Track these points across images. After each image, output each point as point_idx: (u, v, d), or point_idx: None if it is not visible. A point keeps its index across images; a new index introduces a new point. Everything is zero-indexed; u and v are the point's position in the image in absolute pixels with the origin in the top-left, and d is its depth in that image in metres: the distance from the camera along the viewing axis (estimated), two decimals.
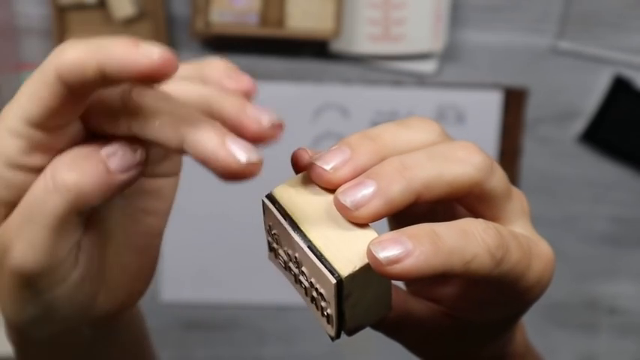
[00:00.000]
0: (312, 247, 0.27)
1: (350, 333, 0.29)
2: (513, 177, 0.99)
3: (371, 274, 0.27)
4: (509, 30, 0.95)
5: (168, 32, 0.91)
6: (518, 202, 0.33)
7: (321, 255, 0.27)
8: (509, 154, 0.98)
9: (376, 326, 0.33)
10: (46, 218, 0.27)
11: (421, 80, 0.95)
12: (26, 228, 0.27)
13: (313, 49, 0.93)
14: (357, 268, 0.27)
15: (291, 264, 0.29)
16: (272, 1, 0.90)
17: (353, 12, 0.91)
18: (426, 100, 0.96)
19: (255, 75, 1.00)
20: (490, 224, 0.28)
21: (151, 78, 0.25)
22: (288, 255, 0.29)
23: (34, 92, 0.26)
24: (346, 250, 0.27)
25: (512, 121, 0.97)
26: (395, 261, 0.26)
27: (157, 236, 0.35)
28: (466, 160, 0.29)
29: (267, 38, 0.91)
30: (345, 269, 0.27)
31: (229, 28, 0.89)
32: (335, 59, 0.94)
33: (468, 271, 0.27)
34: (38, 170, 0.27)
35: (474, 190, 0.30)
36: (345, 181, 0.28)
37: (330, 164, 0.29)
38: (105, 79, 0.25)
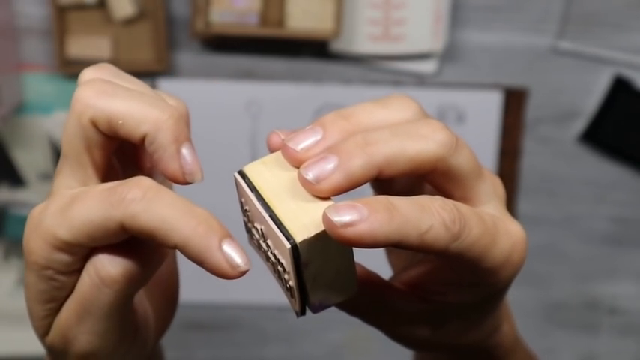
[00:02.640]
0: (272, 216, 0.28)
1: (315, 309, 0.30)
2: (513, 177, 0.99)
3: (329, 245, 0.28)
4: (509, 30, 0.95)
5: (168, 32, 0.91)
6: (490, 184, 0.33)
7: (281, 223, 0.28)
8: (509, 154, 0.98)
9: (352, 310, 0.34)
10: (102, 310, 0.29)
11: (421, 80, 0.95)
12: (86, 320, 0.29)
13: (313, 49, 0.93)
14: (311, 234, 0.28)
15: (261, 241, 0.30)
16: (272, 1, 0.90)
17: (353, 12, 0.91)
18: (426, 100, 0.96)
19: (256, 75, 1.00)
20: (448, 201, 0.29)
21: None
22: (258, 231, 0.30)
23: (95, 230, 0.28)
24: (305, 218, 0.28)
25: (512, 121, 0.97)
26: (349, 224, 0.27)
27: (176, 273, 0.37)
28: (429, 137, 0.30)
29: (267, 38, 0.91)
30: (300, 235, 0.28)
31: (229, 28, 0.89)
32: (335, 59, 0.94)
33: (423, 242, 0.28)
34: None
35: (439, 167, 0.30)
36: None
37: (300, 145, 0.30)
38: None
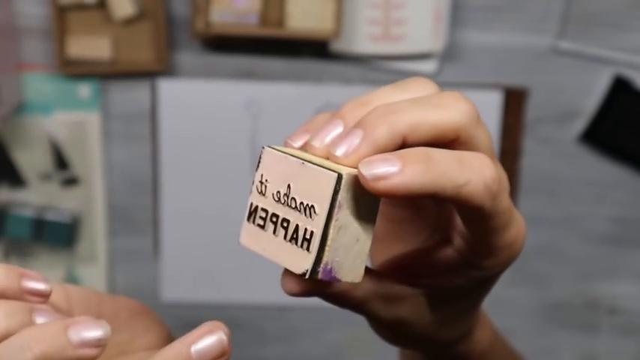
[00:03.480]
0: (311, 162, 0.29)
1: (325, 273, 0.29)
2: (513, 177, 0.99)
3: (361, 199, 0.29)
4: (509, 30, 0.95)
5: (168, 32, 0.91)
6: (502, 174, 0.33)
7: (321, 165, 0.29)
8: (509, 154, 0.98)
9: (343, 303, 0.33)
10: None
11: None
12: None
13: (313, 49, 0.93)
14: (352, 174, 0.28)
15: (278, 208, 0.30)
16: (272, 1, 0.90)
17: (353, 12, 0.91)
18: None
19: (256, 75, 1.00)
20: (489, 159, 0.29)
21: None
22: (278, 194, 0.30)
23: None
24: (342, 168, 0.29)
25: (512, 121, 0.97)
26: (382, 177, 0.27)
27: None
28: (451, 105, 0.30)
29: (267, 38, 0.91)
30: (342, 171, 0.28)
31: (229, 28, 0.89)
32: (335, 59, 0.94)
33: (459, 196, 0.28)
34: None
35: (461, 136, 0.30)
36: None
37: (325, 141, 0.30)
38: None
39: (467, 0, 0.93)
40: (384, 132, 0.29)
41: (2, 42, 0.87)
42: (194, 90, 0.94)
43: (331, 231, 0.28)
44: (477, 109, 0.31)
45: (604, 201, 1.01)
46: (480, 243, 0.31)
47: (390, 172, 0.27)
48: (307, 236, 0.29)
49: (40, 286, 0.32)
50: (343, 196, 0.28)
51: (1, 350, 0.28)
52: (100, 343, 0.29)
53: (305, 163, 0.29)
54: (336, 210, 0.28)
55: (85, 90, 0.94)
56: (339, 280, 0.30)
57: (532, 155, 0.98)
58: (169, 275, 1.00)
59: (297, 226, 0.29)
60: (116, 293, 1.00)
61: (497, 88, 0.96)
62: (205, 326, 0.29)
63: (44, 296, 0.32)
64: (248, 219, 0.31)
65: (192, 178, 0.96)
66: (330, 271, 0.29)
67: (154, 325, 0.37)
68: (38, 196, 0.96)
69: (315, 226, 0.29)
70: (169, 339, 0.38)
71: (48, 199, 0.96)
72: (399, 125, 0.29)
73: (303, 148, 0.31)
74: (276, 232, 0.30)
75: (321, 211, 0.28)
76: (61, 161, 0.96)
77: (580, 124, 0.98)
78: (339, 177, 0.28)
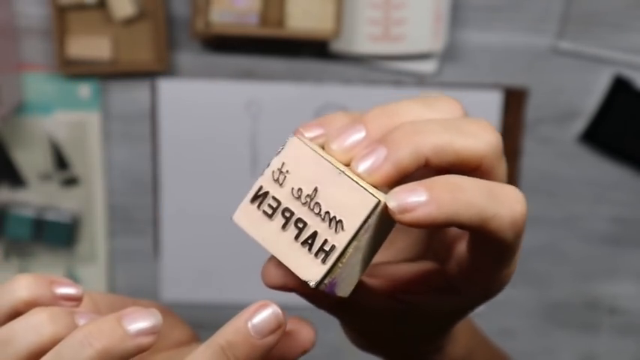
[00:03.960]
0: (348, 175, 0.28)
1: (330, 286, 0.29)
2: (513, 177, 0.99)
3: (381, 225, 0.29)
4: (509, 30, 0.95)
5: (168, 32, 0.91)
6: None
7: (357, 182, 0.28)
8: (509, 154, 0.98)
9: (319, 303, 0.33)
10: None
11: (421, 80, 0.95)
12: None
13: (313, 49, 0.93)
14: (382, 203, 0.28)
15: (295, 206, 0.29)
16: (272, 1, 0.90)
17: (353, 12, 0.91)
18: None
19: (256, 75, 1.00)
20: (518, 191, 0.29)
21: None
22: (294, 194, 0.29)
23: None
24: (371, 188, 0.28)
25: (512, 121, 0.97)
26: (409, 210, 0.27)
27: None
28: (478, 134, 0.30)
29: (267, 38, 0.91)
30: (380, 196, 0.28)
31: (229, 28, 0.89)
32: (335, 59, 0.94)
33: (485, 228, 0.28)
34: None
35: (483, 166, 0.30)
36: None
37: (345, 144, 0.30)
38: None
39: (467, 0, 0.93)
40: (407, 153, 0.28)
41: (2, 42, 0.87)
42: (194, 90, 0.94)
43: (350, 250, 0.28)
44: (501, 141, 0.31)
45: (604, 201, 1.01)
46: (479, 274, 0.31)
47: (417, 203, 0.27)
48: (326, 248, 0.28)
49: (71, 290, 0.32)
50: (372, 220, 0.28)
51: (60, 351, 0.28)
52: (154, 330, 0.29)
53: (342, 174, 0.28)
54: (362, 232, 0.28)
55: (85, 90, 0.94)
56: (334, 294, 0.29)
57: (532, 155, 0.98)
58: (169, 275, 1.00)
59: (315, 232, 0.29)
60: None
61: (497, 88, 0.96)
62: (258, 303, 0.30)
63: (77, 300, 0.32)
64: (252, 201, 0.30)
65: (192, 178, 0.96)
66: (333, 285, 0.29)
67: (178, 323, 0.38)
68: (38, 196, 0.96)
69: (338, 241, 0.28)
70: (195, 336, 0.38)
71: (48, 199, 0.96)
72: (423, 147, 0.28)
73: (315, 140, 0.31)
74: (286, 228, 0.29)
75: (350, 229, 0.28)
76: (61, 161, 0.96)
77: (580, 124, 0.98)
78: (378, 203, 0.28)
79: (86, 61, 0.91)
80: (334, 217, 0.28)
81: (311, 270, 0.29)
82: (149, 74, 0.93)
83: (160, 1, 0.89)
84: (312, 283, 0.28)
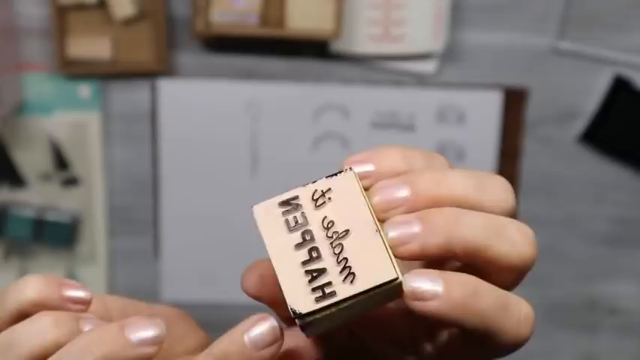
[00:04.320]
0: (382, 237, 0.28)
1: (311, 326, 0.29)
2: (513, 177, 0.99)
3: (380, 297, 0.28)
4: (509, 30, 0.95)
5: (168, 32, 0.91)
6: None
7: (387, 248, 0.28)
8: (509, 154, 0.98)
9: (283, 318, 0.33)
10: None
11: (421, 80, 0.95)
12: None
13: (314, 49, 0.93)
14: (398, 281, 0.27)
15: (318, 233, 0.28)
16: (272, 1, 0.90)
17: (353, 12, 0.91)
18: (426, 100, 0.96)
19: (256, 75, 1.00)
20: (531, 312, 0.29)
21: None
22: (324, 224, 0.28)
23: None
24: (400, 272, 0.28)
25: (512, 121, 0.97)
26: (421, 298, 0.27)
27: None
28: (517, 245, 0.29)
29: (267, 38, 0.91)
30: (399, 272, 0.28)
31: (229, 28, 0.89)
32: (335, 59, 0.94)
33: (487, 341, 0.28)
34: None
35: (503, 273, 0.30)
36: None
37: (385, 198, 0.29)
38: None
39: (467, 0, 0.93)
40: (439, 241, 0.28)
41: (2, 42, 0.87)
42: (194, 90, 0.94)
43: (344, 305, 0.28)
44: (535, 255, 0.30)
45: (604, 201, 1.01)
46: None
47: (431, 295, 0.27)
48: (327, 290, 0.28)
49: (80, 293, 0.31)
50: (382, 289, 0.28)
51: (61, 356, 0.28)
52: (156, 341, 0.29)
53: (377, 233, 0.28)
54: (367, 295, 0.28)
55: (85, 90, 0.94)
56: (303, 329, 0.29)
57: (532, 155, 0.98)
58: (169, 275, 1.00)
59: (324, 269, 0.28)
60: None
61: (497, 88, 0.96)
62: (257, 315, 0.29)
63: (86, 304, 0.31)
64: (281, 204, 0.29)
65: (192, 178, 0.96)
66: (309, 325, 0.29)
67: (192, 330, 0.37)
68: (38, 196, 0.96)
69: (341, 290, 0.27)
70: (208, 342, 0.37)
71: (48, 199, 0.96)
72: (456, 243, 0.28)
73: (363, 177, 0.30)
74: (299, 249, 0.28)
75: (357, 287, 0.27)
76: (61, 161, 0.96)
77: (580, 125, 0.98)
78: (395, 279, 0.27)
79: (86, 61, 0.91)
80: (350, 267, 0.28)
81: (301, 300, 0.28)
82: (149, 74, 0.93)
83: (160, 1, 0.89)
84: (295, 313, 0.28)
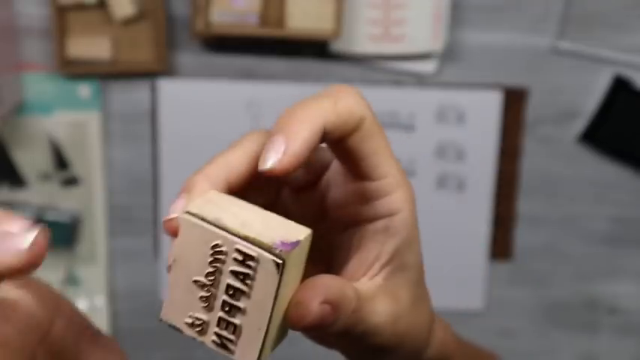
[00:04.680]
0: (248, 239, 0.28)
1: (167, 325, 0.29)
2: (513, 177, 0.99)
3: (295, 271, 0.29)
4: (509, 30, 0.95)
5: (168, 32, 0.91)
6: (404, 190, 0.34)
7: (260, 242, 0.28)
8: (509, 154, 0.98)
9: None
10: None
11: (421, 80, 0.95)
12: None
13: (313, 49, 0.93)
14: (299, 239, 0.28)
15: (223, 283, 0.28)
16: (272, 1, 0.90)
17: (353, 12, 0.91)
18: (426, 100, 0.96)
19: (256, 75, 0.99)
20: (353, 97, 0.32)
21: (18, 275, 0.26)
22: (211, 277, 0.29)
23: None
24: (280, 230, 0.29)
25: (512, 121, 0.97)
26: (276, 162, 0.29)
27: None
28: (351, 98, 0.32)
29: (267, 38, 0.91)
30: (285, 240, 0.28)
31: (229, 28, 0.89)
32: (335, 59, 0.94)
33: (335, 134, 0.31)
34: None
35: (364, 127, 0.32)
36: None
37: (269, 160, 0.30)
38: None
39: (467, 0, 0.93)
40: (306, 131, 0.31)
41: (2, 42, 0.87)
42: (194, 90, 0.94)
43: (273, 316, 0.28)
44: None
45: (604, 201, 1.01)
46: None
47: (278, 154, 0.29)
48: (200, 329, 0.29)
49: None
50: (286, 268, 0.28)
51: None
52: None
53: (262, 331, 0.29)
54: (280, 287, 0.28)
55: (85, 90, 0.94)
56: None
57: (532, 155, 0.98)
58: None
59: (208, 322, 0.29)
60: (116, 293, 1.01)
61: (497, 88, 0.96)
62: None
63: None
64: (212, 239, 0.30)
65: None
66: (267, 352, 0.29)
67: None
68: (38, 196, 0.96)
69: (207, 340, 0.29)
70: None
71: (48, 199, 0.96)
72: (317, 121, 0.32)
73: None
74: (199, 286, 0.29)
75: (269, 292, 0.28)
76: (61, 161, 0.96)
77: (580, 124, 0.98)
78: (283, 260, 0.28)
79: (86, 61, 0.91)
80: (249, 287, 0.28)
81: (177, 316, 0.29)
82: (149, 74, 0.93)
83: (160, 1, 0.89)
84: (161, 319, 0.29)
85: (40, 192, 0.96)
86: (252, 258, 0.28)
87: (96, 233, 0.98)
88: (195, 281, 0.29)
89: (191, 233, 0.28)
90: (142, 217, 0.98)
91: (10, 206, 0.96)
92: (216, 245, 0.28)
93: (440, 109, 0.96)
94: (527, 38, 0.95)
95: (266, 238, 0.27)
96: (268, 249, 0.27)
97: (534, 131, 0.98)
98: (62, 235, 0.96)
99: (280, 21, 0.90)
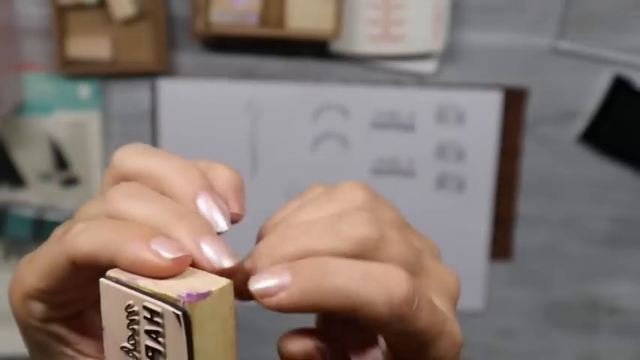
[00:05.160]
0: (155, 295, 0.26)
1: None
2: (513, 177, 0.99)
3: (223, 307, 0.27)
4: (509, 30, 0.95)
5: (168, 32, 0.91)
6: (436, 279, 0.29)
7: (165, 296, 0.26)
8: (509, 154, 0.98)
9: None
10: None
11: (421, 80, 0.95)
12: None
13: (313, 49, 0.93)
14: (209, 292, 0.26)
15: (142, 346, 0.27)
16: (272, 1, 0.90)
17: (353, 12, 0.91)
18: (426, 100, 0.96)
19: (256, 75, 1.00)
20: (406, 277, 0.26)
21: (160, 275, 0.26)
22: (132, 340, 0.27)
23: (51, 271, 0.28)
24: (196, 283, 0.26)
25: (512, 121, 0.97)
26: (268, 294, 0.26)
27: None
28: (385, 284, 0.26)
29: (267, 38, 0.91)
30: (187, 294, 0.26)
31: (229, 28, 0.89)
32: (335, 59, 0.94)
33: (359, 315, 0.26)
34: (62, 319, 0.30)
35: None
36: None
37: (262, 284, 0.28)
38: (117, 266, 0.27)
39: (467, 0, 0.93)
40: (308, 290, 0.26)
41: (2, 42, 0.87)
42: (194, 90, 0.94)
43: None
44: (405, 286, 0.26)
45: (604, 201, 1.01)
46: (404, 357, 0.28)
47: (278, 287, 0.25)
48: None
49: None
50: (198, 320, 0.26)
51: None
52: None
53: (149, 297, 0.26)
54: (194, 339, 0.26)
55: (85, 90, 0.94)
56: None
57: (532, 155, 0.98)
58: None
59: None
60: None
61: (497, 88, 0.96)
62: None
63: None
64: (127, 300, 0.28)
65: None
66: None
67: None
68: (38, 196, 0.96)
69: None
70: None
71: (48, 199, 0.96)
72: (327, 291, 0.26)
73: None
74: (126, 351, 0.27)
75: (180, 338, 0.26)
76: (61, 161, 0.96)
77: (580, 124, 0.98)
78: (184, 313, 0.25)
79: (86, 61, 0.91)
80: (164, 346, 0.26)
81: None
82: (149, 74, 0.93)
83: (160, 1, 0.89)
84: None
85: (40, 192, 0.96)
86: (158, 314, 0.26)
87: None
88: (122, 347, 0.27)
89: (110, 297, 0.27)
90: None
91: (10, 206, 0.96)
92: (129, 306, 0.27)
93: (440, 109, 0.96)
94: (527, 38, 0.95)
95: (173, 292, 0.25)
96: (173, 302, 0.25)
97: (534, 131, 0.98)
98: None
99: (280, 21, 0.90)
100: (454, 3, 0.92)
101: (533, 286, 1.04)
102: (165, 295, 0.26)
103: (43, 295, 0.29)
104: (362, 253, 0.27)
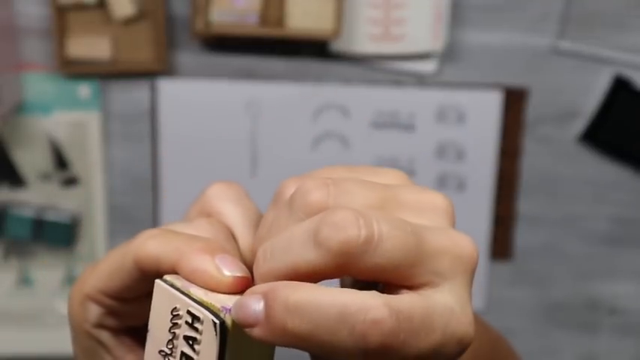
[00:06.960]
0: (200, 302, 0.27)
1: None
2: (513, 177, 0.99)
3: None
4: (509, 30, 0.95)
5: (168, 32, 0.91)
6: (445, 260, 0.26)
7: (209, 305, 0.27)
8: (509, 154, 0.98)
9: None
10: None
11: (421, 80, 0.95)
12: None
13: (313, 49, 0.93)
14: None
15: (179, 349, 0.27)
16: (272, 1, 0.90)
17: (353, 12, 0.91)
18: (426, 100, 0.96)
19: (256, 75, 1.00)
20: (385, 308, 0.23)
21: (215, 289, 0.27)
22: (171, 345, 0.28)
23: (114, 271, 0.30)
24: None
25: (512, 121, 0.97)
26: (247, 325, 0.25)
27: None
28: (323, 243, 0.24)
29: (267, 38, 0.91)
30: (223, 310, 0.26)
31: (229, 28, 0.89)
32: (335, 59, 0.94)
33: (327, 355, 0.24)
34: (114, 330, 0.32)
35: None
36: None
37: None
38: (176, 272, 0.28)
39: (467, 0, 0.93)
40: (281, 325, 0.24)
41: (2, 42, 0.87)
42: (194, 90, 0.94)
43: None
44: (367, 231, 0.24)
45: (604, 201, 1.01)
46: None
47: (253, 319, 0.24)
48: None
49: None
50: (232, 337, 0.26)
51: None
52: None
53: (196, 305, 0.27)
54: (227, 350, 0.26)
55: (85, 90, 0.94)
56: None
57: (532, 155, 0.98)
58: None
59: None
60: None
61: (497, 88, 0.96)
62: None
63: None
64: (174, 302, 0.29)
65: (192, 178, 0.96)
66: None
67: None
68: (38, 196, 0.96)
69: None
70: None
71: (48, 199, 0.96)
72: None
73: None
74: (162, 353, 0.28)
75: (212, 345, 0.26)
76: (61, 161, 0.96)
77: (580, 124, 0.98)
78: (222, 323, 0.26)
79: (86, 61, 0.91)
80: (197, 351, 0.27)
81: None
82: (149, 74, 0.93)
83: (160, 1, 0.89)
84: None
85: (40, 192, 0.96)
86: (199, 320, 0.26)
87: (96, 233, 0.98)
88: (160, 351, 0.28)
89: (160, 299, 0.28)
90: (141, 217, 0.98)
91: (10, 206, 0.96)
92: (175, 309, 0.27)
93: (440, 109, 0.96)
94: (527, 38, 0.95)
95: (219, 303, 0.26)
96: (216, 311, 0.26)
97: (534, 131, 0.98)
98: (62, 235, 0.96)
99: (280, 21, 0.90)
100: (454, 2, 0.92)
101: (534, 286, 1.04)
102: (210, 304, 0.26)
103: (101, 296, 0.30)
104: (347, 264, 0.24)
